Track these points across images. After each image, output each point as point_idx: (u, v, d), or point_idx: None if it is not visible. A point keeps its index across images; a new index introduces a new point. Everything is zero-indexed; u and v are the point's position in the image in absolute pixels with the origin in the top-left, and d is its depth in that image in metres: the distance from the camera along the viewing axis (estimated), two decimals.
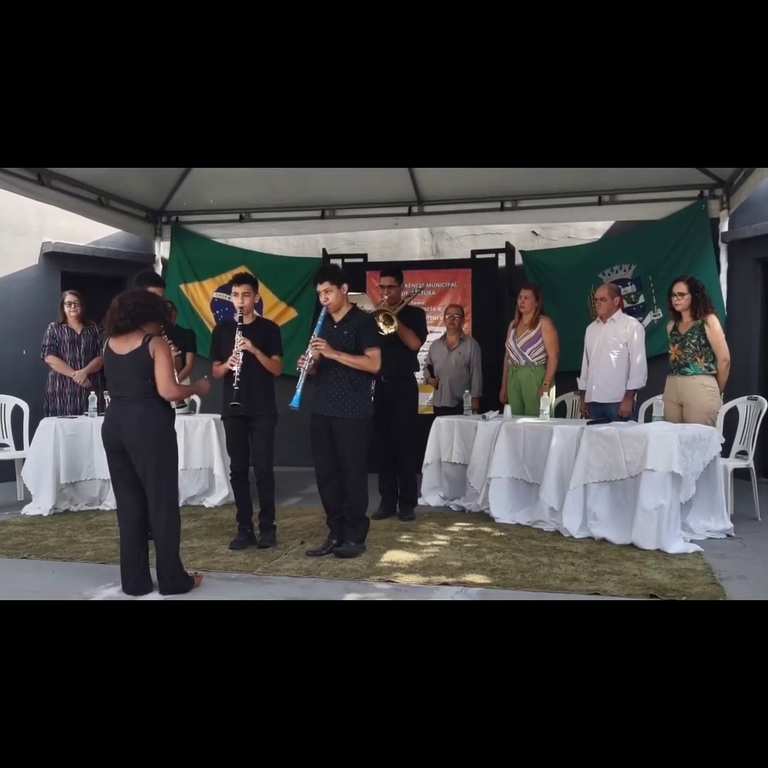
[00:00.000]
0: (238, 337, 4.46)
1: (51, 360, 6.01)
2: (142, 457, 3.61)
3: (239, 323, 4.51)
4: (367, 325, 4.44)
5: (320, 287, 4.32)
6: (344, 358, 4.27)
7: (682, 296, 5.22)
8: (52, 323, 6.11)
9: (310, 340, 4.30)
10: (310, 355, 4.27)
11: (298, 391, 4.25)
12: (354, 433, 4.31)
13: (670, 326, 5.44)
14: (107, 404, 3.94)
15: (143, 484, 3.66)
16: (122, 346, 3.66)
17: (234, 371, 4.43)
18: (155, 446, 3.63)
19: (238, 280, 4.61)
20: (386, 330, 5.05)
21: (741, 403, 5.40)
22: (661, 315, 6.80)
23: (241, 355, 4.44)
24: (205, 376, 4.39)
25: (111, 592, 3.75)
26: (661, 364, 5.99)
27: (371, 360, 4.31)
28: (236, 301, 4.56)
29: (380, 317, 5.08)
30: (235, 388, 4.41)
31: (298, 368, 4.29)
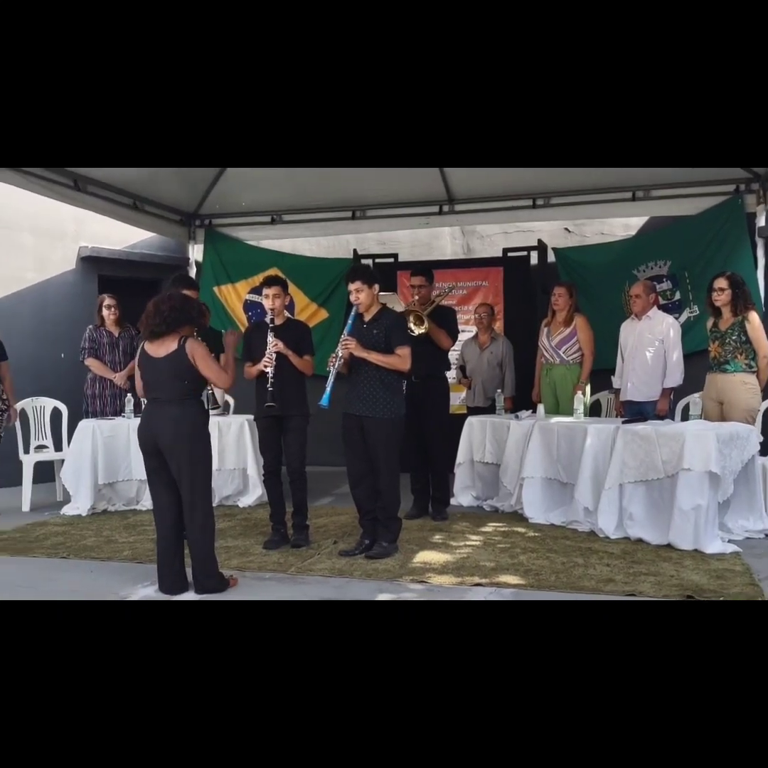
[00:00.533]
0: (270, 338, 4.49)
1: (91, 363, 6.10)
2: (176, 458, 3.65)
3: (271, 325, 4.54)
4: (397, 324, 4.44)
5: (351, 286, 4.33)
6: (374, 357, 4.27)
7: (722, 292, 5.14)
8: (90, 326, 6.20)
9: (340, 339, 4.31)
10: (340, 354, 4.29)
11: (328, 389, 4.27)
12: (386, 432, 4.32)
13: (709, 323, 5.36)
14: (143, 406, 3.99)
15: (178, 485, 3.70)
16: (158, 349, 3.70)
17: (267, 372, 4.46)
18: (190, 447, 3.67)
19: (269, 281, 4.65)
20: (417, 330, 5.04)
21: None
22: (697, 312, 6.70)
23: (274, 356, 4.47)
24: (231, 330, 4.43)
25: (147, 591, 3.80)
26: (697, 362, 5.90)
27: (401, 359, 4.31)
28: (267, 303, 4.60)
29: (411, 317, 5.07)
30: (270, 389, 4.45)
31: (328, 367, 4.31)
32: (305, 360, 4.62)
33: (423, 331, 5.08)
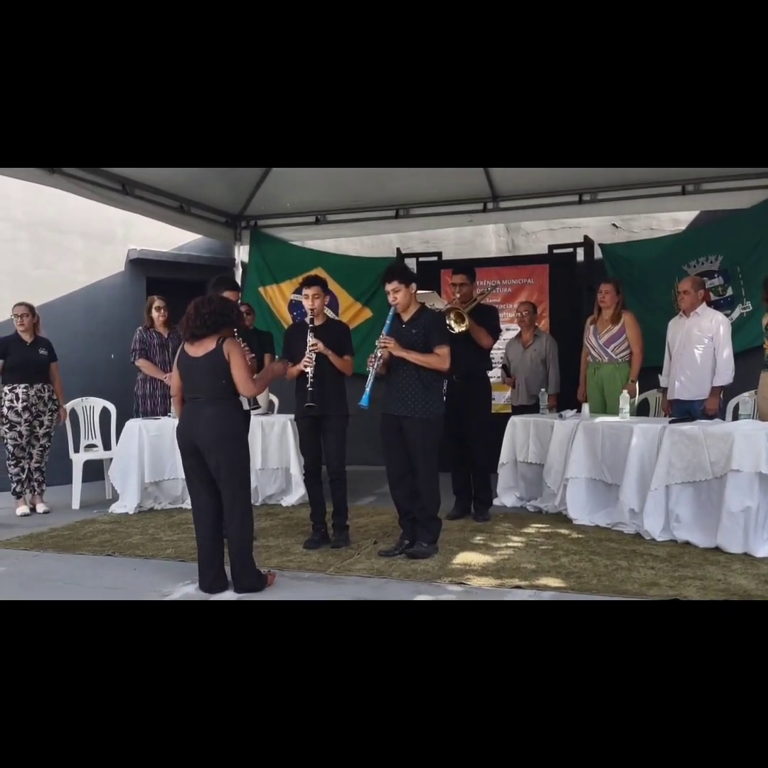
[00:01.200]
0: (310, 338, 4.50)
1: (142, 363, 6.18)
2: (214, 457, 3.68)
3: (310, 325, 4.56)
4: (435, 323, 4.40)
5: (389, 287, 4.31)
6: (413, 356, 4.25)
7: None
8: (140, 328, 6.29)
9: (378, 339, 4.30)
10: (379, 354, 4.28)
11: (367, 389, 4.26)
12: (424, 432, 4.29)
13: (765, 320, 5.18)
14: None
15: (218, 485, 3.74)
16: (197, 349, 3.74)
17: (307, 373, 4.48)
18: (227, 446, 3.70)
19: (308, 282, 4.66)
20: (457, 328, 5.00)
21: None
22: (751, 308, 6.50)
23: (313, 356, 4.48)
24: (279, 358, 4.47)
25: (188, 589, 3.85)
26: (751, 359, 5.72)
27: (440, 358, 4.28)
28: (306, 304, 4.61)
29: (451, 315, 5.04)
30: (309, 389, 4.46)
31: (367, 367, 4.30)
32: (345, 360, 4.62)
33: (463, 329, 5.04)
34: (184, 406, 3.87)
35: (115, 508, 5.73)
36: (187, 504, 5.74)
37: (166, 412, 6.11)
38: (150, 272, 7.87)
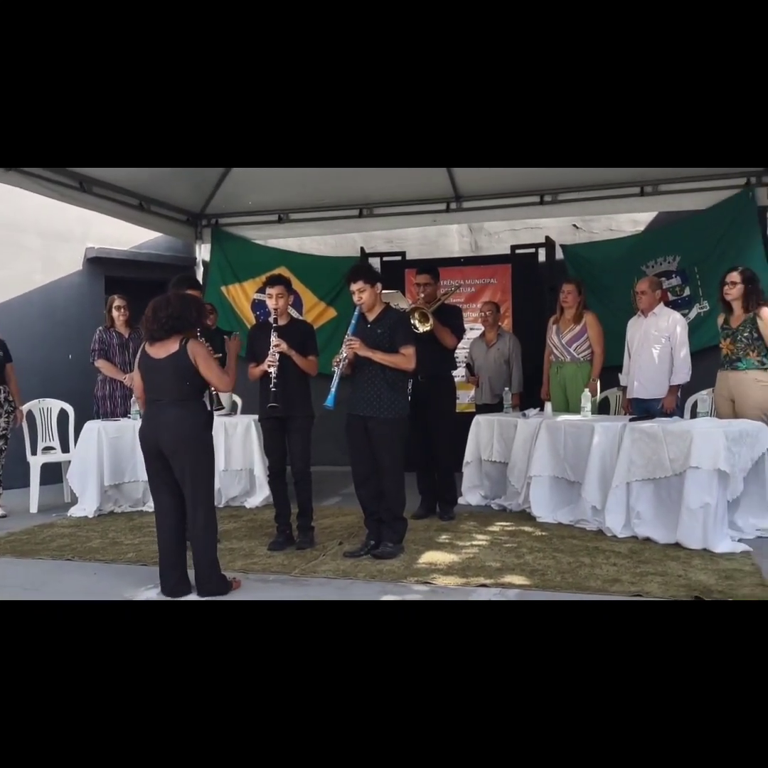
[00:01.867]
0: (274, 338, 4.47)
1: (101, 364, 6.08)
2: (179, 459, 3.63)
3: (274, 325, 4.52)
4: (401, 323, 4.41)
5: (353, 286, 4.30)
6: (379, 356, 4.24)
7: (733, 286, 5.07)
8: (100, 328, 6.19)
9: (344, 340, 4.29)
10: (344, 355, 4.26)
11: (333, 390, 4.24)
12: (390, 432, 4.29)
13: (720, 320, 5.29)
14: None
15: (181, 487, 3.69)
16: (159, 350, 3.69)
17: (271, 373, 4.44)
18: (192, 449, 3.65)
19: (271, 281, 4.63)
20: (422, 328, 5.01)
21: None
22: (708, 307, 6.62)
23: (277, 356, 4.45)
24: (236, 335, 4.48)
25: (150, 593, 3.79)
26: (708, 358, 5.83)
27: (406, 358, 4.28)
28: (270, 303, 4.57)
29: (416, 315, 5.04)
30: (273, 390, 4.42)
31: (332, 368, 4.28)
32: (309, 360, 4.59)
33: (428, 328, 5.05)
34: (147, 409, 3.81)
35: (74, 512, 5.62)
36: (149, 507, 5.68)
37: (126, 414, 6.02)
38: (109, 271, 7.74)
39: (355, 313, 4.36)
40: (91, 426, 5.70)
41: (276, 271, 7.86)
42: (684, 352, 5.33)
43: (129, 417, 5.88)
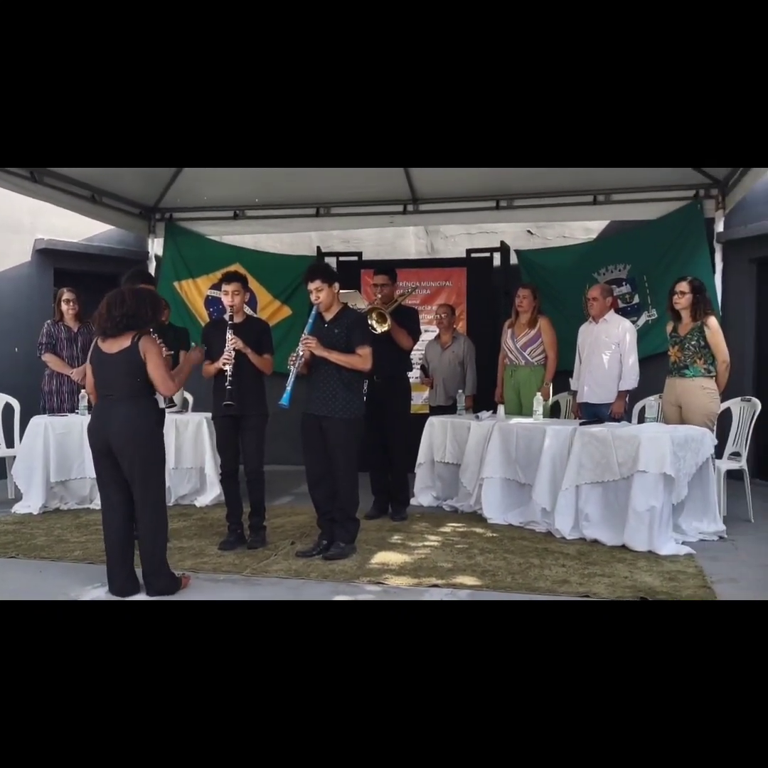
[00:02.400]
0: (229, 335, 4.43)
1: (48, 358, 5.95)
2: (129, 457, 3.57)
3: (229, 322, 4.48)
4: (358, 323, 4.41)
5: (311, 286, 4.29)
6: (335, 356, 4.24)
7: (682, 295, 5.20)
8: (49, 321, 6.05)
9: (301, 339, 4.27)
10: (301, 353, 4.25)
11: (288, 389, 4.23)
12: (345, 432, 4.29)
13: (669, 327, 5.42)
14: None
15: (130, 485, 3.63)
16: (111, 345, 3.63)
17: (226, 370, 4.40)
18: (142, 445, 3.60)
19: (228, 278, 4.58)
20: (379, 328, 5.02)
21: (734, 404, 5.39)
22: (656, 315, 6.79)
23: (232, 354, 4.41)
24: (195, 345, 4.39)
25: (98, 592, 3.72)
26: (655, 365, 5.97)
27: (362, 358, 4.29)
28: (226, 300, 4.53)
29: (373, 315, 5.05)
30: (228, 387, 4.39)
31: (288, 366, 4.27)
32: (265, 359, 4.56)
33: (385, 329, 5.07)
34: (96, 405, 3.74)
35: (19, 508, 5.48)
36: (95, 504, 5.56)
37: (73, 409, 5.90)
38: (59, 263, 7.55)
39: (313, 312, 4.35)
40: (38, 421, 5.57)
41: (230, 268, 7.82)
42: (632, 359, 5.45)
43: (77, 412, 5.76)
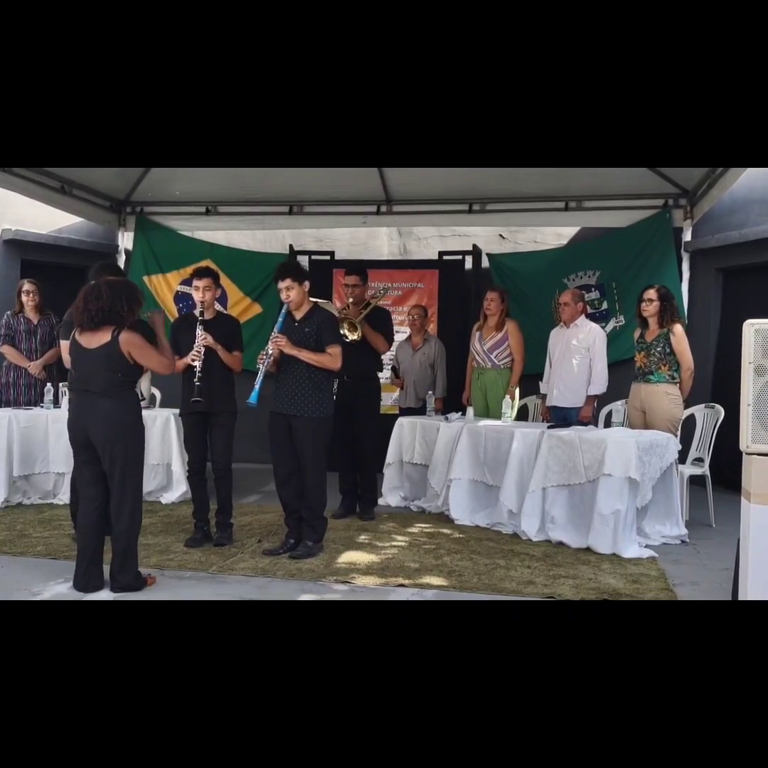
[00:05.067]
0: (199, 332, 4.40)
1: (5, 350, 5.87)
2: (110, 452, 3.55)
3: (200, 318, 4.45)
4: (328, 322, 4.41)
5: (281, 284, 4.27)
6: (305, 355, 4.23)
7: (650, 302, 5.29)
8: (8, 312, 5.96)
9: (271, 337, 4.26)
10: (270, 351, 4.24)
11: (257, 387, 4.20)
12: (313, 431, 4.28)
13: (636, 334, 5.50)
14: (67, 397, 3.83)
15: (109, 480, 3.60)
16: (90, 340, 3.57)
17: (195, 367, 4.37)
18: (125, 441, 3.59)
19: (199, 273, 4.55)
20: (350, 336, 5.02)
21: (698, 410, 5.49)
22: (624, 321, 6.89)
23: (202, 350, 4.38)
24: (154, 311, 4.38)
25: (61, 588, 3.67)
26: (622, 370, 6.05)
27: (332, 357, 4.28)
28: (197, 295, 4.50)
29: (344, 325, 5.03)
30: (197, 384, 4.35)
31: (257, 365, 4.25)
32: (234, 356, 4.54)
33: (356, 338, 5.06)
34: (75, 399, 3.68)
35: None
36: (59, 499, 5.50)
37: (30, 403, 5.81)
38: (26, 254, 7.42)
39: (283, 310, 4.33)
40: (2, 414, 5.47)
41: (202, 264, 7.76)
42: (601, 366, 5.51)
43: (42, 406, 5.67)
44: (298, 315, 4.36)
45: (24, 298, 5.92)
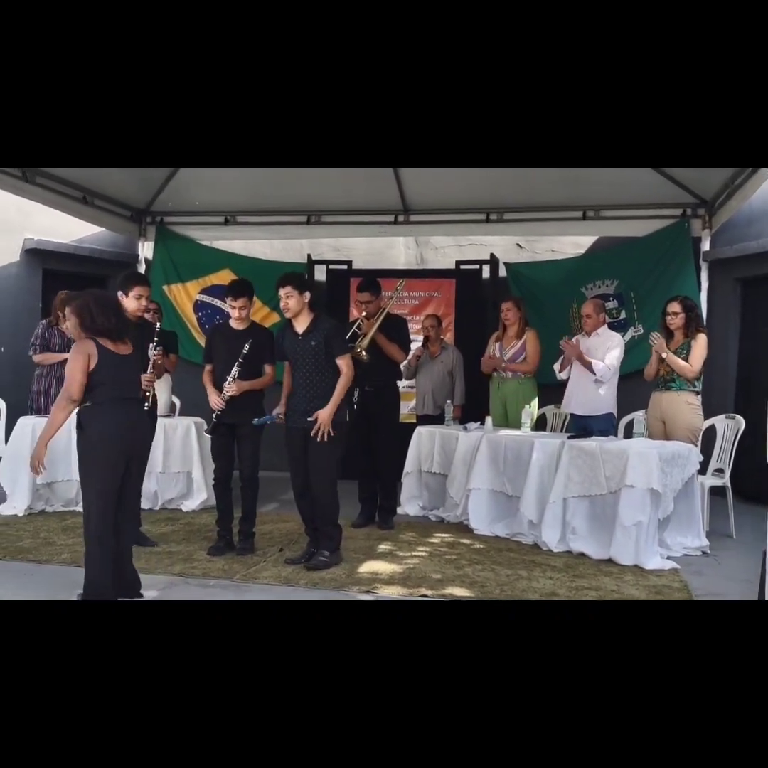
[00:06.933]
0: (228, 383, 4.51)
1: (41, 358, 5.80)
2: (141, 455, 3.69)
3: (240, 360, 4.51)
4: (334, 331, 4.39)
5: (281, 291, 4.26)
6: (335, 403, 4.24)
7: (676, 315, 5.30)
8: (44, 322, 5.91)
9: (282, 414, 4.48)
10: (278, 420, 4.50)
11: (265, 421, 4.46)
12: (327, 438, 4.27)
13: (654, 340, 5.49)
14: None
15: (136, 484, 3.72)
16: (119, 347, 3.56)
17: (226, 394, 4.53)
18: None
19: (234, 292, 4.65)
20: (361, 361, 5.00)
21: (719, 421, 5.47)
22: (642, 331, 6.88)
23: (233, 387, 4.51)
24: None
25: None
26: (641, 380, 6.01)
27: (347, 370, 4.31)
28: (234, 314, 4.60)
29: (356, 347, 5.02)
30: (225, 400, 4.50)
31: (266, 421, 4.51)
32: (266, 375, 4.62)
33: (364, 359, 5.04)
34: (121, 406, 3.54)
35: (3, 510, 5.44)
36: (81, 507, 5.48)
37: None
38: (47, 264, 7.51)
39: (267, 419, 4.48)
40: (25, 422, 5.52)
41: (221, 273, 7.84)
42: (609, 359, 5.41)
43: None
44: (301, 328, 4.33)
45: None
